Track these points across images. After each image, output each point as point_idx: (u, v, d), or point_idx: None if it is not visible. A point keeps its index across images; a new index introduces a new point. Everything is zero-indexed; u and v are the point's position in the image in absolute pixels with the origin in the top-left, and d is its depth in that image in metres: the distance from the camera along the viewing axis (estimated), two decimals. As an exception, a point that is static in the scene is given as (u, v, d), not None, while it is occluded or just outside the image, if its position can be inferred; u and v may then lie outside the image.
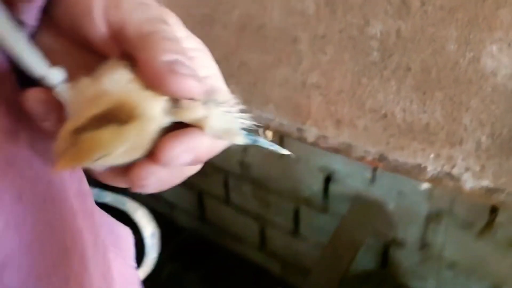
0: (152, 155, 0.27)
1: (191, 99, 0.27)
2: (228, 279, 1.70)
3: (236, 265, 1.75)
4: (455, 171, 0.57)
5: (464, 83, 0.55)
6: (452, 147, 0.57)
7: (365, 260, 1.44)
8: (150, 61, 0.26)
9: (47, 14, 0.29)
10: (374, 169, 1.34)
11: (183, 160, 0.26)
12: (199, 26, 0.72)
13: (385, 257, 1.46)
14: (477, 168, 0.56)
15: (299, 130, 0.66)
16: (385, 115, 0.60)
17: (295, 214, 1.56)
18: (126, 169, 0.27)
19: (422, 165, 0.59)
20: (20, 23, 0.29)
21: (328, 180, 1.43)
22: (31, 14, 0.29)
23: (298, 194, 1.50)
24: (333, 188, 1.44)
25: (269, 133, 0.71)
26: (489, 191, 0.55)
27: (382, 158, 0.61)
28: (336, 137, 0.63)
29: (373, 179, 1.35)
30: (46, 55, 0.29)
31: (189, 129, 0.27)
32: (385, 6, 0.58)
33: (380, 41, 0.59)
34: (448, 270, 1.35)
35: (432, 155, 0.58)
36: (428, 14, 0.55)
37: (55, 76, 0.28)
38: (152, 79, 0.26)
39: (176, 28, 0.29)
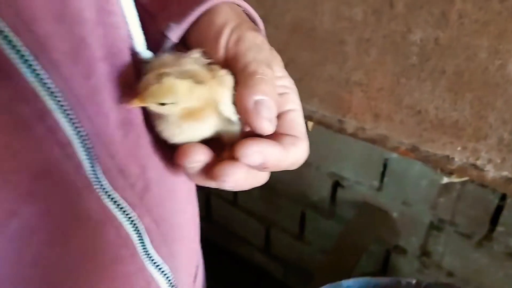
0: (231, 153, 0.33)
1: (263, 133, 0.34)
2: (230, 281, 1.73)
3: (239, 267, 1.79)
4: (479, 163, 0.66)
5: (491, 86, 0.64)
6: (477, 141, 0.66)
7: (365, 266, 1.51)
8: (244, 97, 0.33)
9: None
10: (382, 178, 1.42)
11: (254, 160, 0.32)
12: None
13: (385, 263, 1.52)
14: (499, 160, 0.65)
15: (340, 121, 0.74)
16: (419, 112, 0.69)
17: (302, 218, 1.62)
18: (209, 169, 0.34)
19: (450, 156, 0.67)
20: (163, 36, 0.38)
21: (336, 186, 1.49)
22: (177, 33, 0.38)
23: (306, 198, 1.56)
24: (341, 194, 1.51)
25: (310, 124, 0.79)
26: (508, 180, 0.64)
27: (414, 149, 0.70)
28: (373, 129, 0.72)
29: (380, 188, 1.43)
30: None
31: (264, 138, 0.34)
32: (426, 17, 0.67)
33: (419, 47, 0.68)
34: (446, 279, 1.42)
35: (459, 148, 0.67)
36: (464, 26, 0.65)
37: (147, 54, 0.36)
38: (241, 110, 0.33)
39: (276, 69, 0.37)
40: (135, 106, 0.33)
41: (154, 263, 0.37)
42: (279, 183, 1.58)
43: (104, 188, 0.32)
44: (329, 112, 0.74)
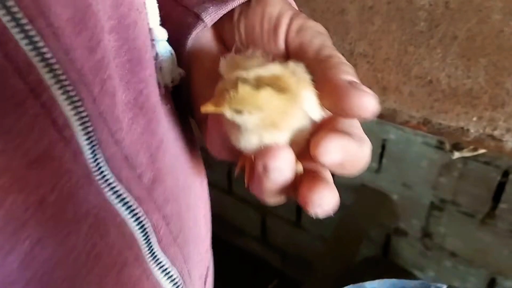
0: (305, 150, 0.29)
1: (364, 118, 0.29)
2: (226, 271, 1.71)
3: (235, 257, 1.76)
4: (496, 132, 0.62)
5: (507, 50, 0.60)
6: (494, 110, 0.62)
7: (366, 249, 1.48)
8: (334, 78, 0.29)
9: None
10: (380, 160, 1.38)
11: (335, 157, 0.27)
12: None
13: (386, 247, 1.50)
14: (517, 129, 0.61)
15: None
16: (430, 81, 0.65)
17: (298, 205, 1.59)
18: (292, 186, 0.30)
19: (465, 128, 0.63)
20: (196, 16, 0.35)
21: (333, 171, 1.47)
22: (213, 18, 0.35)
23: (302, 185, 1.53)
24: (338, 178, 1.47)
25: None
26: (529, 149, 0.60)
27: (426, 121, 0.65)
28: (381, 102, 0.67)
29: (378, 170, 1.40)
30: (202, 49, 0.35)
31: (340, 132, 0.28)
32: (434, -21, 0.63)
33: (428, 12, 0.64)
34: (448, 260, 1.39)
35: (474, 118, 0.63)
36: (475, -14, 0.60)
37: (160, 32, 0.34)
38: (335, 93, 0.28)
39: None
40: (211, 111, 0.29)
41: (161, 266, 0.33)
42: (273, 171, 1.55)
43: (106, 179, 0.28)
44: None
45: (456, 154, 0.90)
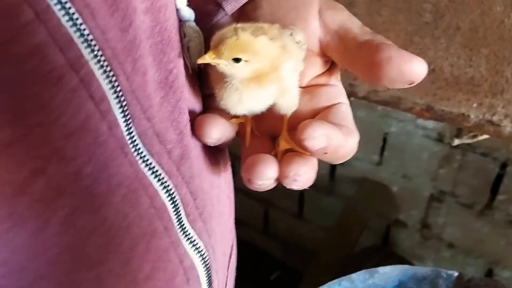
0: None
1: (411, 83, 0.33)
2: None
3: (237, 248, 1.78)
4: (495, 118, 0.65)
5: (508, 40, 0.64)
6: (493, 97, 0.65)
7: (366, 240, 1.51)
8: (386, 57, 0.32)
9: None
10: (382, 153, 1.42)
11: (319, 143, 0.30)
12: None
13: (385, 237, 1.53)
14: (516, 115, 0.65)
15: (351, 85, 0.73)
16: (433, 70, 0.68)
17: (300, 197, 1.63)
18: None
19: (466, 114, 0.67)
20: (217, 5, 0.37)
21: (336, 163, 1.50)
22: (233, 6, 0.37)
23: (305, 177, 1.56)
24: (340, 171, 1.51)
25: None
26: (526, 134, 0.64)
27: (429, 108, 0.69)
28: (386, 90, 0.71)
29: (380, 162, 1.43)
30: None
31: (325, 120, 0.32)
32: (439, -27, 0.66)
33: (433, 4, 0.67)
34: (447, 251, 1.43)
35: (475, 104, 0.66)
36: (478, -20, 0.64)
37: (187, 12, 0.35)
38: (391, 64, 0.32)
39: None
40: (209, 61, 0.31)
41: (188, 238, 0.34)
42: (277, 163, 1.58)
43: (139, 152, 0.29)
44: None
45: (456, 141, 0.94)
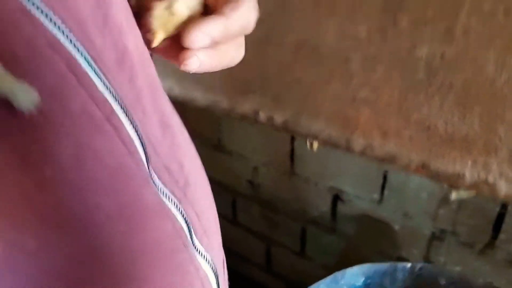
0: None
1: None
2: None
3: (239, 285, 1.78)
4: (490, 177, 0.66)
5: (500, 99, 0.65)
6: (488, 155, 0.66)
7: (369, 279, 1.50)
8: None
9: None
10: (382, 191, 1.42)
11: (203, 42, 0.34)
12: (255, 45, 0.80)
13: (388, 276, 1.52)
14: (510, 174, 0.65)
15: (347, 140, 0.74)
16: (428, 127, 0.69)
17: (302, 234, 1.62)
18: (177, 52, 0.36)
19: (461, 173, 0.67)
20: None
21: (336, 200, 1.50)
22: None
23: (306, 214, 1.56)
24: (341, 209, 1.51)
25: (315, 145, 0.79)
26: (522, 192, 0.64)
27: (424, 166, 0.70)
28: (382, 146, 0.72)
29: (380, 201, 1.43)
30: None
31: (206, 17, 0.35)
32: (431, 32, 0.68)
33: (426, 62, 0.68)
34: (449, 289, 1.42)
35: (469, 162, 0.67)
36: (469, 40, 0.65)
37: None
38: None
39: None
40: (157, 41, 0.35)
41: (200, 252, 0.41)
42: (278, 200, 1.57)
43: (156, 184, 0.34)
44: (336, 131, 0.74)
45: (454, 195, 0.95)
